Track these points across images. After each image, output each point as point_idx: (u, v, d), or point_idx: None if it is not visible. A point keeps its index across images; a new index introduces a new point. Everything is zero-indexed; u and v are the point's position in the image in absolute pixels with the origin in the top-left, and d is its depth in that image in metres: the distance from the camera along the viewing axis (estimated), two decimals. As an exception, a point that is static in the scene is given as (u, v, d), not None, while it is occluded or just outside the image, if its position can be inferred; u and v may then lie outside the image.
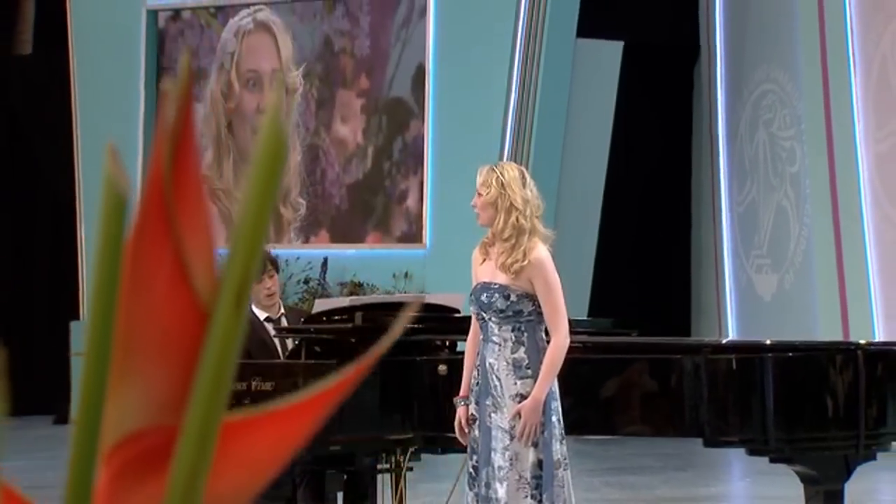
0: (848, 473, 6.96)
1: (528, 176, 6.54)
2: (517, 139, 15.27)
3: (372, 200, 16.44)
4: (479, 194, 6.49)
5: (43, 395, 18.18)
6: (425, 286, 15.64)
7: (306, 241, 16.71)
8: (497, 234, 6.43)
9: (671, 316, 16.10)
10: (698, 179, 16.27)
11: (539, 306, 6.40)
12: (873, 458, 7.04)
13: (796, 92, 14.97)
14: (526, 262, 6.36)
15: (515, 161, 15.27)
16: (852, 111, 14.24)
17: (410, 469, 7.64)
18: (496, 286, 6.47)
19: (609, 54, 15.77)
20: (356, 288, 15.93)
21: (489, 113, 15.34)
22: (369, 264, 16.04)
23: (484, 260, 6.60)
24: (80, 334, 17.88)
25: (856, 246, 14.15)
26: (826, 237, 14.42)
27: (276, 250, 16.39)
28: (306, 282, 16.14)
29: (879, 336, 13.91)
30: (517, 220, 6.36)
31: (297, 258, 16.21)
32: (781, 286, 15.29)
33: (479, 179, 6.52)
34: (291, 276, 16.15)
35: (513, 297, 6.44)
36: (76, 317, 18.09)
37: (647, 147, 16.01)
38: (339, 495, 7.76)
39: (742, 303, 15.71)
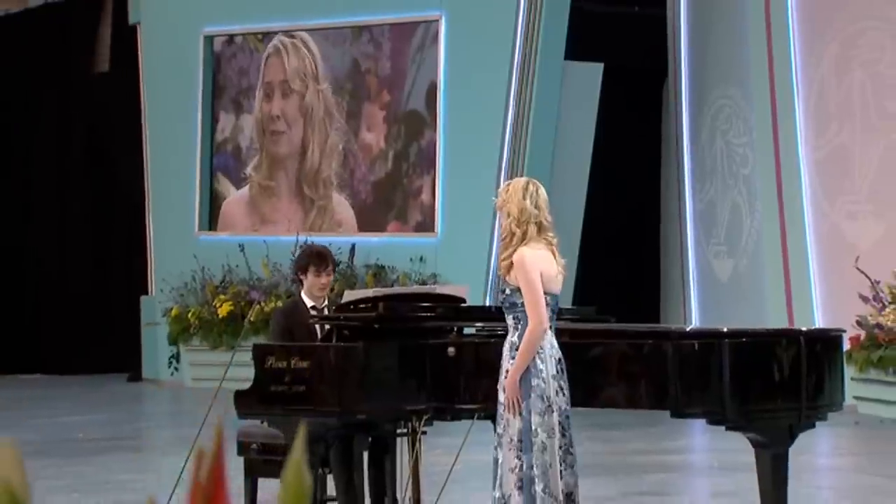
0: (792, 439, 6.92)
1: (533, 188, 6.38)
2: (514, 146, 15.24)
3: (392, 196, 16.41)
4: (500, 211, 6.47)
5: (119, 357, 18.19)
6: (437, 268, 15.62)
7: (340, 229, 16.66)
8: (502, 238, 6.41)
9: (643, 294, 16.10)
10: (666, 180, 16.24)
11: None
12: (812, 426, 6.99)
13: (748, 107, 14.93)
14: (510, 263, 6.34)
15: (512, 166, 15.31)
16: (795, 123, 14.21)
17: (424, 433, 7.58)
18: (502, 283, 6.46)
19: (591, 74, 15.73)
20: (379, 270, 15.89)
21: (490, 123, 15.31)
22: (390, 250, 16.01)
23: None
24: (149, 307, 17.91)
25: (797, 235, 14.11)
26: (773, 228, 14.39)
27: (313, 236, 16.44)
28: (337, 264, 16.05)
29: (816, 308, 13.89)
30: (510, 226, 6.34)
31: (330, 244, 16.12)
32: (736, 269, 15.26)
33: (499, 199, 6.47)
34: (325, 259, 16.10)
35: (507, 291, 6.41)
36: (145, 293, 18.09)
37: (623, 152, 15.97)
38: (365, 455, 7.75)
39: (703, 283, 15.69)
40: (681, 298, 15.84)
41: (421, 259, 15.69)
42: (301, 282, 7.73)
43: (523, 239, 6.31)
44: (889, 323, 12.70)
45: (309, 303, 7.60)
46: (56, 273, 19.41)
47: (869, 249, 13.37)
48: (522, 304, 6.32)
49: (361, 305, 7.54)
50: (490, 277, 15.19)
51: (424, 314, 7.44)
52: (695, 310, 15.61)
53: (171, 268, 17.22)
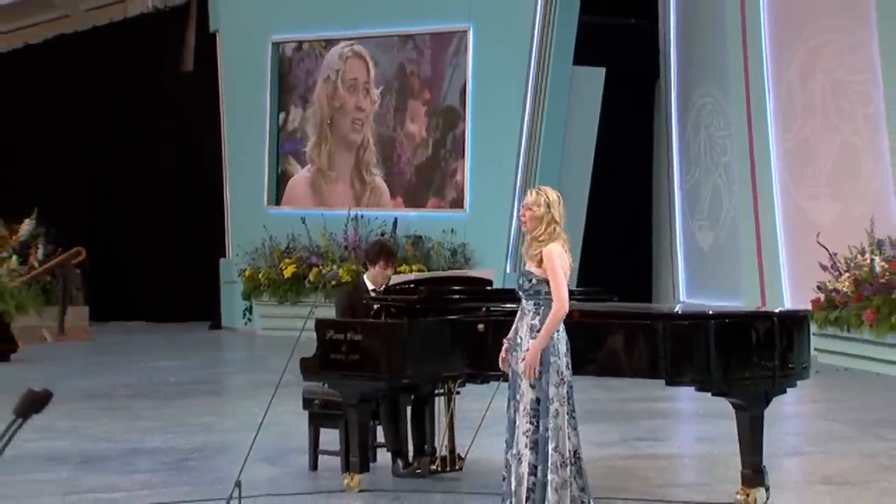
0: (766, 403, 6.86)
1: (559, 199, 6.28)
2: (531, 136, 15.16)
3: (431, 176, 16.33)
4: (531, 209, 6.27)
5: (202, 308, 18.21)
6: (466, 238, 15.56)
7: (386, 204, 16.62)
8: (535, 237, 6.28)
9: (638, 261, 16.00)
10: (657, 166, 16.10)
11: (551, 288, 6.29)
12: (784, 391, 6.93)
13: (727, 104, 14.78)
14: (541, 258, 6.25)
15: (529, 153, 15.22)
16: (766, 119, 14.06)
17: (458, 393, 7.57)
18: (527, 273, 6.34)
19: (595, 77, 15.60)
20: (417, 240, 15.83)
21: (511, 117, 15.23)
22: (426, 223, 15.95)
23: (526, 255, 6.46)
24: (226, 268, 17.90)
25: (768, 213, 13.99)
26: (747, 206, 14.27)
27: (363, 211, 16.43)
28: (382, 234, 16.04)
29: (783, 274, 13.78)
30: (554, 229, 6.23)
31: (376, 217, 16.14)
32: (716, 240, 15.15)
33: (531, 199, 6.27)
34: (372, 230, 16.08)
35: (534, 280, 6.30)
36: (224, 256, 18.08)
37: (621, 142, 15.83)
38: (408, 409, 7.73)
39: (688, 252, 15.58)
40: (669, 265, 15.74)
41: (452, 231, 15.62)
42: (367, 267, 7.70)
43: (550, 239, 6.25)
44: (844, 288, 12.58)
45: (370, 286, 7.57)
46: (151, 238, 19.44)
47: (827, 226, 13.23)
48: (546, 292, 6.23)
49: (407, 286, 7.53)
50: (509, 245, 15.14)
51: (458, 296, 7.38)
52: (681, 274, 15.52)
53: (244, 235, 17.24)
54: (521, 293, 6.36)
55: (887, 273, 12.21)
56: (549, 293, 6.22)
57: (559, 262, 6.21)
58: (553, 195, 6.33)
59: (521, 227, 6.84)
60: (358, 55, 16.75)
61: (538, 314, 6.28)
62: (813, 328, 12.38)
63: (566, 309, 6.19)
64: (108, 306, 18.66)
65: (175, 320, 18.52)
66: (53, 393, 2.89)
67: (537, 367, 6.17)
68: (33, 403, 2.80)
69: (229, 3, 17.84)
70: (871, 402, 10.63)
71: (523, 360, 6.21)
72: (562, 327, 6.23)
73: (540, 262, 6.24)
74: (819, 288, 12.77)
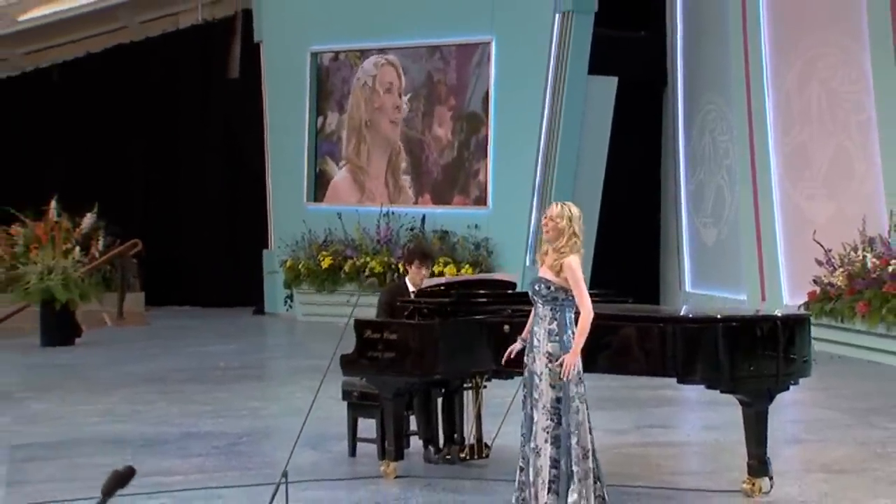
0: (770, 399, 6.78)
1: (581, 215, 6.21)
2: (549, 140, 15.07)
3: (456, 176, 16.25)
4: (554, 220, 6.19)
5: (247, 295, 18.22)
6: (488, 233, 15.48)
7: (416, 202, 16.55)
8: (556, 248, 6.20)
9: (647, 255, 15.89)
10: (665, 167, 15.99)
11: (568, 295, 6.23)
12: (786, 389, 6.84)
13: (730, 110, 14.65)
14: (560, 268, 6.18)
15: (547, 155, 15.11)
16: (766, 125, 13.94)
17: (485, 387, 7.52)
18: (544, 280, 6.26)
19: (608, 85, 15.48)
20: (443, 234, 15.76)
21: (530, 122, 15.15)
22: (451, 218, 15.90)
23: (541, 264, 6.38)
24: (269, 258, 17.88)
25: (768, 211, 13.88)
26: (748, 205, 14.16)
27: (395, 208, 16.38)
28: (411, 229, 16.01)
29: (782, 269, 13.66)
30: (575, 242, 6.15)
31: (406, 213, 16.10)
32: (719, 236, 15.04)
33: (555, 211, 6.18)
34: (402, 225, 16.05)
35: (552, 288, 6.22)
36: (266, 247, 18.06)
37: (631, 145, 15.72)
38: (439, 401, 7.68)
39: (693, 247, 15.48)
40: (676, 258, 15.64)
41: (476, 226, 15.56)
42: (406, 270, 7.65)
43: (570, 251, 6.18)
44: (838, 282, 12.48)
45: (410, 287, 7.52)
46: (201, 231, 19.47)
47: (823, 224, 13.11)
48: (563, 299, 6.17)
49: (437, 289, 7.47)
50: (529, 239, 15.06)
51: (484, 299, 7.32)
52: (687, 267, 15.41)
53: (285, 229, 17.23)
54: (536, 298, 6.28)
55: (878, 269, 12.12)
56: (565, 300, 6.16)
57: (580, 274, 6.17)
58: (575, 210, 6.26)
59: (540, 231, 6.77)
60: (391, 64, 16.70)
61: (555, 319, 6.21)
62: (809, 319, 12.31)
63: (592, 316, 6.14)
64: (162, 292, 18.71)
65: (221, 305, 18.57)
66: (136, 470, 3.01)
67: (575, 371, 6.10)
68: (118, 482, 2.92)
69: (272, 16, 17.82)
70: (863, 389, 10.53)
71: (560, 364, 6.12)
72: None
73: (559, 272, 6.17)
74: (815, 282, 12.68)
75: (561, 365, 6.11)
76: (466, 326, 7.08)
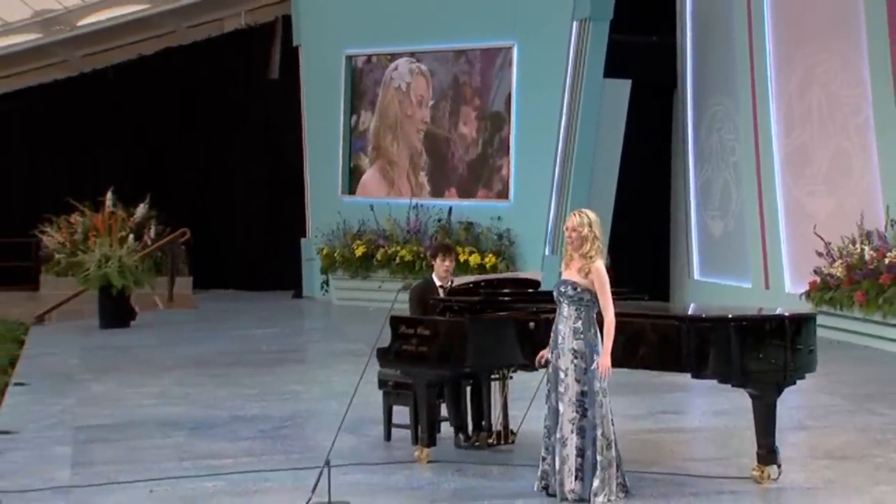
0: (779, 393, 6.70)
1: (598, 216, 6.23)
2: (567, 139, 14.93)
3: (481, 171, 16.16)
4: (577, 231, 6.14)
5: (286, 279, 18.16)
6: (510, 224, 15.40)
7: (442, 195, 16.47)
8: (581, 253, 6.16)
9: (658, 247, 15.77)
10: (675, 163, 15.82)
11: (592, 296, 6.20)
12: (794, 383, 6.76)
13: (736, 111, 14.49)
14: (589, 271, 6.15)
15: (565, 154, 14.98)
16: (770, 126, 13.78)
17: (511, 378, 7.47)
18: (571, 282, 6.23)
19: (622, 88, 15.32)
20: (468, 225, 15.68)
21: (549, 122, 15.01)
22: (476, 211, 15.80)
23: (567, 267, 6.33)
24: (307, 246, 17.84)
25: (771, 206, 13.74)
26: (753, 200, 14.03)
27: (421, 201, 16.30)
28: (438, 220, 15.95)
29: (784, 260, 13.53)
30: (598, 246, 6.13)
31: (433, 206, 16.03)
32: (726, 228, 14.90)
33: (576, 221, 6.18)
34: (430, 217, 15.98)
35: (578, 289, 6.21)
36: (304, 236, 18.03)
37: (643, 144, 15.57)
38: (468, 390, 7.63)
39: (701, 239, 15.34)
40: (685, 249, 15.50)
41: (499, 218, 15.48)
42: (432, 265, 7.60)
43: (597, 255, 6.16)
44: (837, 273, 12.36)
45: (437, 282, 7.46)
46: (244, 221, 19.47)
47: (823, 219, 12.96)
48: (587, 300, 6.19)
49: (468, 286, 7.42)
50: (548, 230, 14.97)
51: (511, 298, 7.25)
52: (695, 257, 15.28)
53: (322, 219, 17.21)
54: (561, 299, 6.25)
55: (875, 260, 12.02)
56: (590, 300, 6.17)
57: (607, 279, 6.15)
58: (593, 216, 6.27)
59: (561, 233, 6.73)
60: (422, 74, 16.64)
61: (580, 318, 6.23)
62: (809, 307, 12.21)
63: (615, 319, 6.12)
64: (208, 276, 18.74)
65: (263, 289, 18.57)
66: None
67: (610, 372, 6.10)
68: None
69: (310, 22, 17.76)
70: (863, 375, 10.42)
71: (596, 367, 6.09)
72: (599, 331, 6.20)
73: (587, 274, 6.17)
74: (815, 272, 12.57)
75: (596, 367, 6.12)
76: (494, 323, 7.02)
